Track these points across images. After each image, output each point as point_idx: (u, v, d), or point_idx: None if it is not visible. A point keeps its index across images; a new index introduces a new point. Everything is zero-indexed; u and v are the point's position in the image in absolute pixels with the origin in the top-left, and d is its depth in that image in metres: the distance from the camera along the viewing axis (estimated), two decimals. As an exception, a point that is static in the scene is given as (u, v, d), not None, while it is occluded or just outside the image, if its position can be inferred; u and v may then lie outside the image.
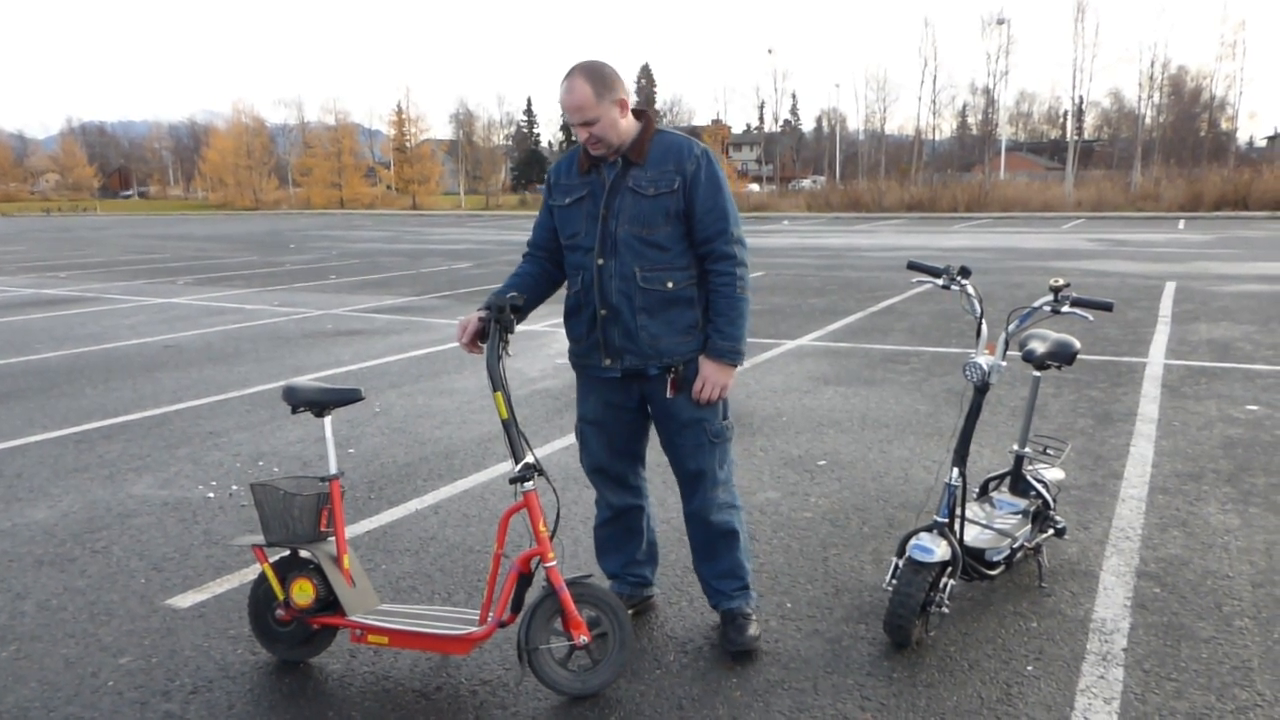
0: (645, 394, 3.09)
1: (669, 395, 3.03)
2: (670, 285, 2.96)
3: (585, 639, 2.77)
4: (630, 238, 2.93)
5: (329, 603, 2.93)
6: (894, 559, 3.16)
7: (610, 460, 3.21)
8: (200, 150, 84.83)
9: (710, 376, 2.99)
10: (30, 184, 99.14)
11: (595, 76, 2.85)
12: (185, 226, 40.91)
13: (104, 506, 4.59)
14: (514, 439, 2.81)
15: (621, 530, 3.31)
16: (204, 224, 43.81)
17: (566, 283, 3.17)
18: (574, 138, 2.99)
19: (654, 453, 3.31)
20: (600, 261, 2.97)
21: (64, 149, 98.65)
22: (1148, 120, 51.95)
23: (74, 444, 5.74)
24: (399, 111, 72.52)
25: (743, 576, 3.20)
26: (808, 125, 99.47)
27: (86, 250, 25.14)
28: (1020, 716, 2.69)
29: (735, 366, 3.03)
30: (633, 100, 2.97)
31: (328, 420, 3.01)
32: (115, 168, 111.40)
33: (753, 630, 3.13)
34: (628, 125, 2.94)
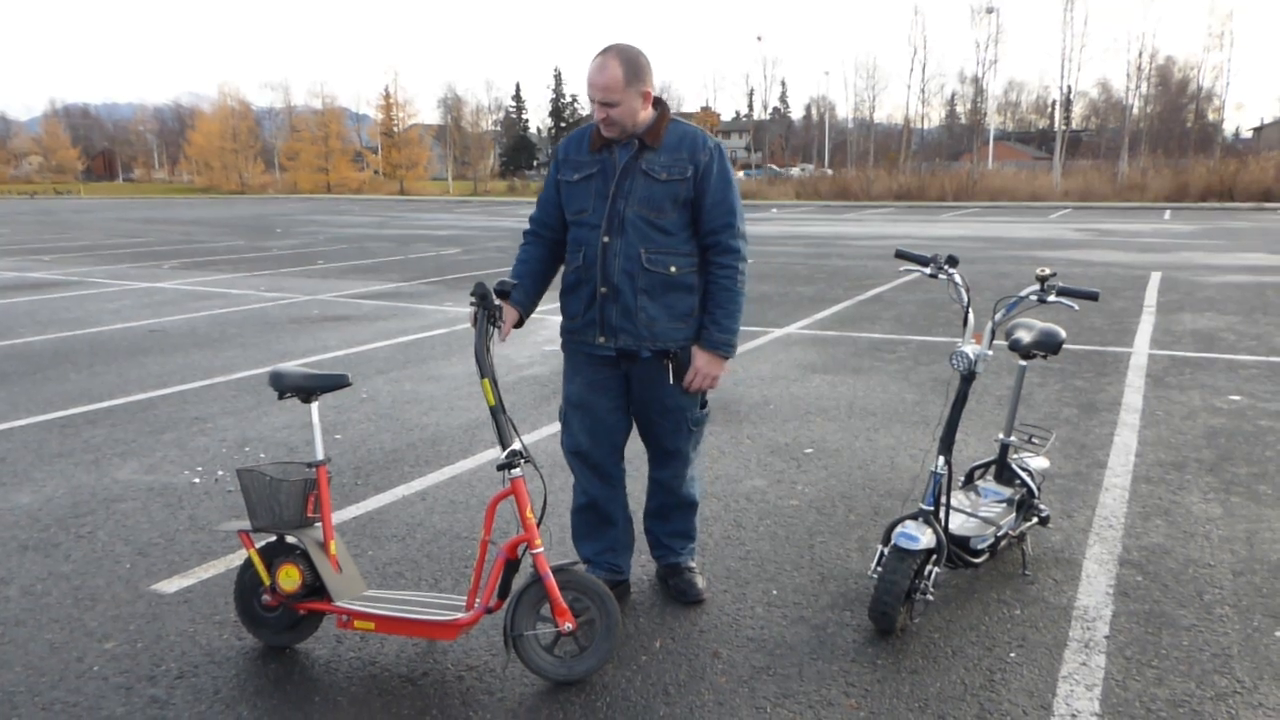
0: (631, 375, 3.13)
1: (670, 383, 3.09)
2: (673, 270, 3.02)
3: (571, 626, 2.78)
4: (638, 219, 2.99)
5: (315, 588, 2.93)
6: (879, 546, 3.17)
7: (590, 445, 3.23)
8: (185, 133, 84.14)
9: (702, 367, 3.07)
10: (13, 166, 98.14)
11: (629, 63, 2.91)
12: (170, 210, 40.62)
13: (89, 491, 4.57)
14: (501, 426, 2.81)
15: (596, 518, 3.33)
16: (189, 208, 43.50)
17: (566, 259, 3.19)
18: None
19: (634, 440, 3.33)
20: (606, 239, 3.01)
21: (47, 131, 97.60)
22: (1135, 111, 52.12)
23: (58, 428, 5.71)
24: (387, 96, 72.18)
25: (692, 536, 3.43)
26: (797, 113, 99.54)
27: (70, 233, 24.93)
28: (1003, 703, 2.72)
29: (727, 359, 3.10)
30: (656, 92, 3.02)
31: (314, 406, 3.00)
32: (99, 150, 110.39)
33: (701, 582, 3.37)
34: (645, 115, 3.00)
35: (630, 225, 2.99)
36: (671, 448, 3.23)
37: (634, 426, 3.30)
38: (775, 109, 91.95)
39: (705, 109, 75.76)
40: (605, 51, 2.93)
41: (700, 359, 3.06)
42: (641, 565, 3.61)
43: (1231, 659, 2.94)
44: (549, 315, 9.62)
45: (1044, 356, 3.64)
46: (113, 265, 16.00)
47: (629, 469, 3.41)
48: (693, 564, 3.43)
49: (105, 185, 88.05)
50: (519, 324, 3.19)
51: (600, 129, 3.01)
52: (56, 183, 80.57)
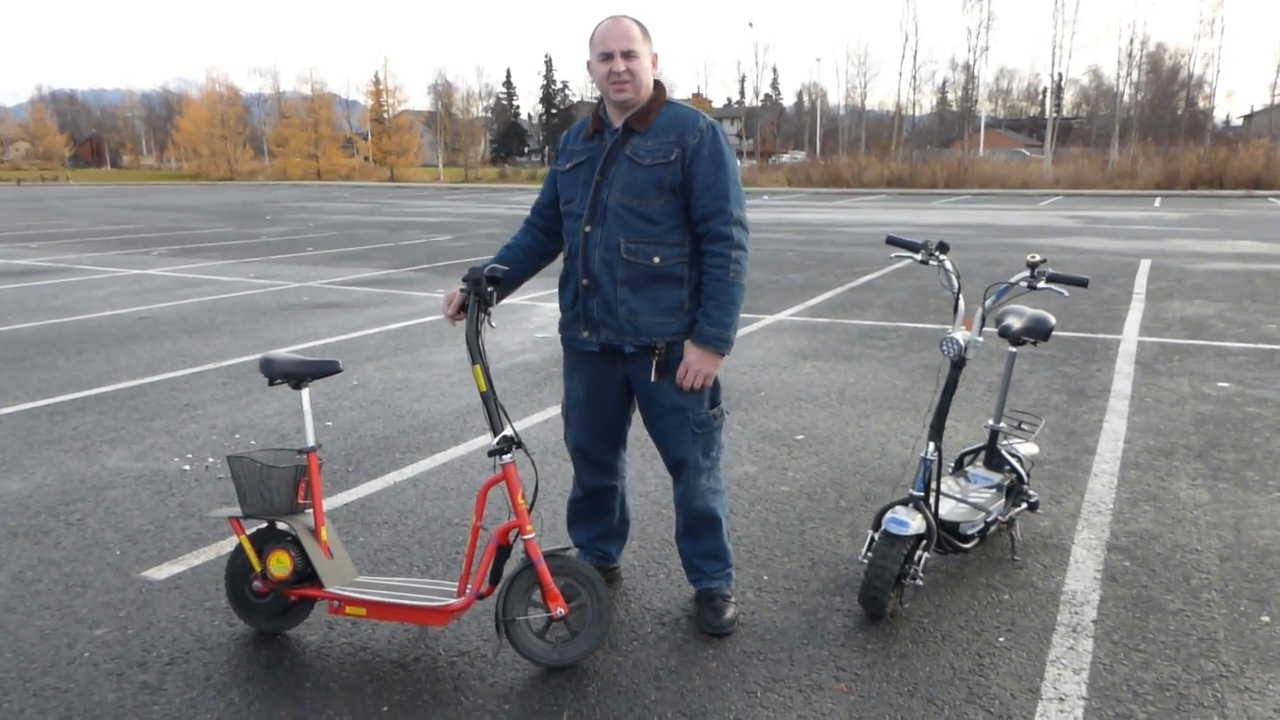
0: (627, 374, 3.03)
1: (654, 379, 2.94)
2: (657, 260, 2.86)
3: (562, 611, 2.78)
4: (620, 207, 2.86)
5: (306, 575, 2.93)
6: (870, 532, 3.19)
7: (590, 441, 3.18)
8: (173, 119, 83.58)
9: (693, 364, 2.89)
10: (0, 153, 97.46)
11: (641, 24, 2.88)
12: (159, 197, 40.37)
13: (78, 479, 4.56)
14: (493, 412, 2.80)
15: (592, 508, 3.31)
16: (178, 194, 43.25)
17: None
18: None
19: (636, 427, 3.32)
20: (587, 229, 2.90)
21: (34, 117, 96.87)
22: (1126, 98, 52.18)
23: (47, 416, 5.68)
24: (377, 82, 71.83)
25: (725, 558, 3.17)
26: (789, 100, 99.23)
27: (58, 220, 24.77)
28: (992, 687, 2.74)
29: (721, 355, 2.91)
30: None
31: (305, 393, 2.99)
32: (87, 136, 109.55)
33: (729, 613, 3.09)
34: (650, 85, 2.91)
35: (612, 214, 2.85)
36: (678, 455, 3.05)
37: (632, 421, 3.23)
38: (767, 95, 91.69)
39: (696, 95, 75.60)
40: (615, 16, 2.86)
41: (691, 354, 2.87)
42: (634, 551, 3.62)
43: (1218, 643, 2.96)
44: (541, 303, 9.62)
45: (1034, 343, 3.65)
46: (101, 252, 15.91)
47: (634, 455, 3.38)
48: (728, 592, 3.16)
49: (93, 172, 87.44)
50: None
51: (611, 94, 2.86)
52: (44, 169, 79.98)
